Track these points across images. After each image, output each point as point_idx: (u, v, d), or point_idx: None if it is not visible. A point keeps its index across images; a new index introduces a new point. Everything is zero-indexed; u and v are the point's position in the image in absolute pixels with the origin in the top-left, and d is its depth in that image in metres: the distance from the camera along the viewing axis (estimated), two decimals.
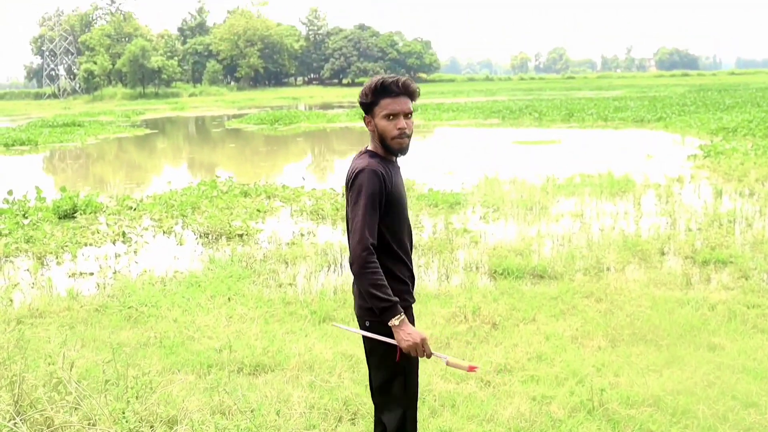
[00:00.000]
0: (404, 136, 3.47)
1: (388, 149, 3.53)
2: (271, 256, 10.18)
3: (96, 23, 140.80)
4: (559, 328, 6.75)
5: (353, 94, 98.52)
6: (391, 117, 3.44)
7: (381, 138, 3.51)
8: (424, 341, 3.34)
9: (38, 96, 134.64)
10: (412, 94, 3.49)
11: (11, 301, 8.69)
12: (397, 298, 3.35)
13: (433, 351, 3.42)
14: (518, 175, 16.72)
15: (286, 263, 9.85)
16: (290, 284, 8.82)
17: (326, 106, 67.71)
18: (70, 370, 5.25)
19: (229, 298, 8.07)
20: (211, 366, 6.01)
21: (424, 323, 6.94)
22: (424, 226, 11.98)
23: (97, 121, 51.19)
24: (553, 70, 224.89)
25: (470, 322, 6.90)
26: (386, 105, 3.44)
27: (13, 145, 34.06)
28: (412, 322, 3.56)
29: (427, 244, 10.59)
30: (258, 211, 13.83)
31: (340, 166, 23.26)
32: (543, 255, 9.80)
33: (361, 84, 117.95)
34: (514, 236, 11.06)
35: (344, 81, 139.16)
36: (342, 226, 12.40)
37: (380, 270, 3.34)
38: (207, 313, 7.55)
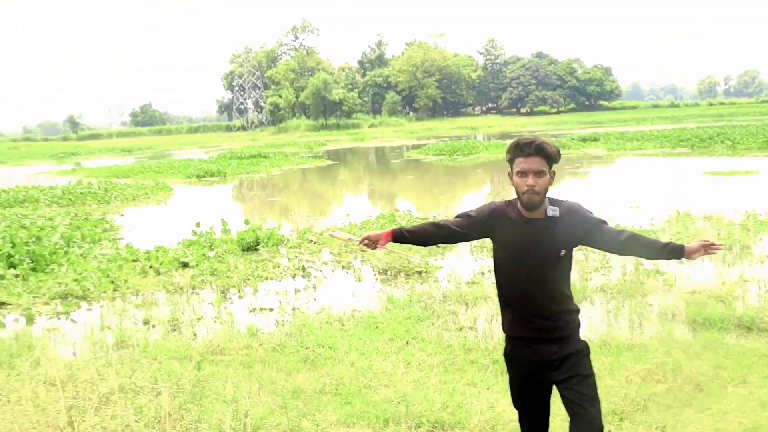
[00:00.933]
0: (532, 192, 3.82)
1: (520, 202, 3.94)
2: (451, 296, 9.87)
3: (281, 59, 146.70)
4: None
5: (532, 123, 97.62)
6: (521, 174, 3.85)
7: (516, 192, 3.94)
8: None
9: (228, 128, 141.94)
10: (547, 156, 3.84)
11: (195, 335, 8.85)
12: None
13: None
14: (713, 210, 15.59)
15: (466, 304, 9.51)
16: (471, 328, 8.45)
17: (504, 136, 67.06)
18: (245, 418, 5.13)
19: (407, 342, 7.80)
20: (387, 420, 5.73)
21: (617, 379, 6.37)
22: (612, 267, 11.28)
23: (282, 153, 53.04)
24: (745, 94, 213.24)
25: (669, 382, 6.25)
26: (519, 163, 3.87)
27: (204, 176, 35.78)
28: (522, 358, 4.05)
29: (616, 286, 9.93)
30: (437, 246, 13.59)
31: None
32: (749, 303, 8.86)
33: (539, 113, 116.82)
34: (713, 280, 10.16)
35: (522, 110, 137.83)
36: None
37: (421, 227, 4.32)
38: (384, 358, 7.31)
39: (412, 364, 7.14)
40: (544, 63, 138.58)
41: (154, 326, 9.40)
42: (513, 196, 4.05)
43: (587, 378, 3.92)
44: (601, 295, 9.65)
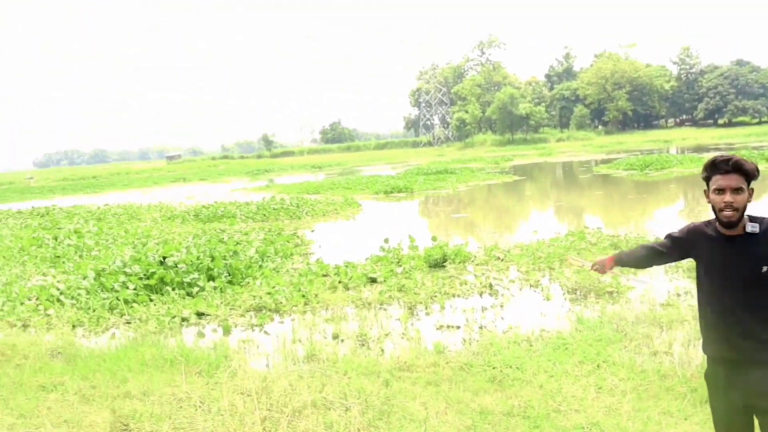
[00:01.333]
0: (730, 209, 3.79)
1: (718, 220, 3.92)
2: (644, 319, 9.43)
3: (467, 74, 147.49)
4: None
5: (730, 135, 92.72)
6: (719, 192, 3.84)
7: (713, 210, 3.93)
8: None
9: (415, 144, 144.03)
10: (745, 173, 3.81)
11: (382, 351, 8.94)
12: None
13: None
14: None
15: (661, 327, 9.05)
16: (666, 353, 8.02)
17: (700, 149, 64.06)
18: None
19: (598, 365, 7.51)
20: None
21: None
22: None
23: (468, 168, 53.09)
24: None
25: None
26: (716, 181, 3.86)
27: (391, 192, 36.37)
28: (722, 381, 3.96)
29: None
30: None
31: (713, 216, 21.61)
32: None
33: (738, 124, 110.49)
34: None
35: (720, 121, 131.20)
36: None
37: (634, 250, 4.56)
38: (574, 382, 7.07)
39: (603, 388, 6.86)
40: (745, 71, 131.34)
41: (342, 341, 9.58)
42: (708, 212, 4.04)
43: None
44: None
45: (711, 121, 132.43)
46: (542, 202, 31.25)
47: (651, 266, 4.57)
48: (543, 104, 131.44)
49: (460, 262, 14.50)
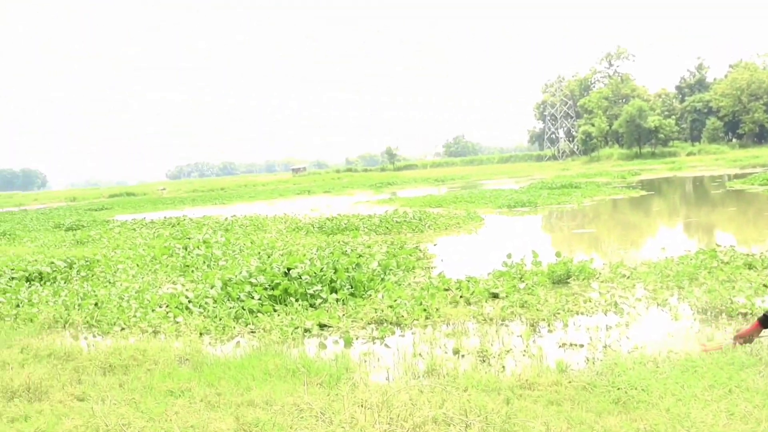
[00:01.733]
0: None
1: None
2: None
3: (594, 86, 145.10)
4: None
5: None
6: None
7: None
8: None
9: (539, 158, 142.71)
10: None
11: (503, 367, 8.85)
12: None
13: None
14: None
15: None
16: None
17: None
18: None
19: (730, 390, 7.18)
20: None
21: None
22: None
23: (593, 182, 52.12)
24: None
25: None
26: None
27: (515, 206, 36.07)
28: None
29: None
30: (765, 286, 12.45)
31: None
32: None
33: None
34: None
35: None
36: None
37: None
38: (704, 407, 6.78)
39: (735, 415, 6.56)
40: None
41: (463, 356, 9.53)
42: None
43: None
44: None
45: None
46: (670, 218, 30.30)
47: None
48: (673, 117, 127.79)
49: (584, 279, 14.20)
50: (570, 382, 7.87)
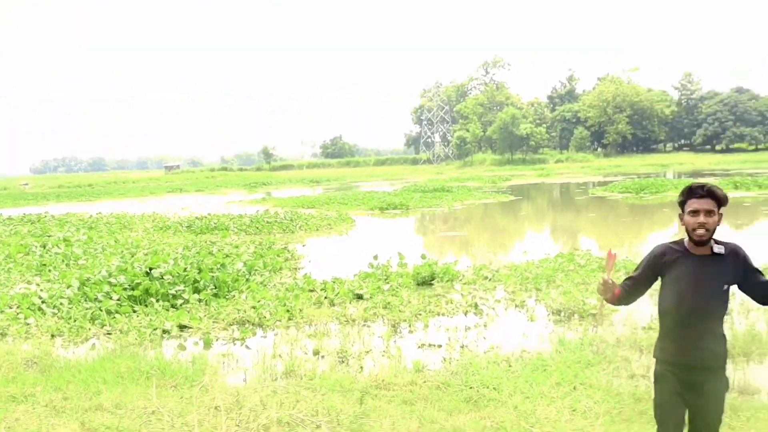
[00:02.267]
0: (702, 229, 4.29)
1: (690, 239, 4.39)
2: (625, 342, 9.39)
3: (470, 93, 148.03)
4: None
5: (727, 162, 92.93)
6: (693, 213, 4.34)
7: (686, 229, 4.39)
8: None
9: (415, 161, 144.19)
10: (717, 198, 4.33)
11: (362, 368, 8.87)
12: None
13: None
14: None
15: (641, 351, 8.99)
16: (643, 376, 7.95)
17: (696, 174, 64.18)
18: None
19: (575, 387, 7.45)
20: None
21: None
22: None
23: (465, 187, 53.14)
24: None
25: None
26: (691, 204, 4.36)
27: (387, 208, 36.36)
28: (672, 382, 4.48)
29: None
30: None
31: None
32: None
33: (735, 150, 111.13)
34: None
35: (717, 147, 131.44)
36: None
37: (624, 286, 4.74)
38: (549, 404, 7.00)
39: (577, 410, 6.81)
40: (744, 98, 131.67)
41: (323, 357, 9.51)
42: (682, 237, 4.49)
43: (718, 415, 4.43)
44: None
45: (709, 146, 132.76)
46: (537, 222, 31.21)
47: (635, 299, 4.84)
48: (544, 125, 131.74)
49: (448, 281, 14.44)
50: (425, 381, 7.97)
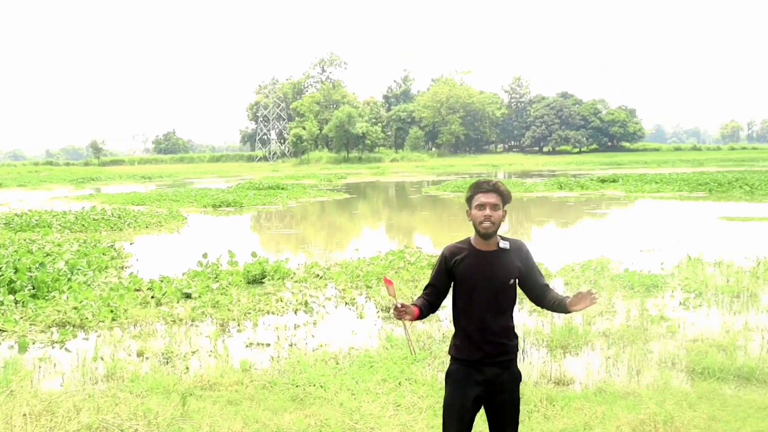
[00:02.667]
0: (488, 222, 4.40)
1: (477, 232, 4.49)
2: (450, 336, 9.61)
3: (307, 91, 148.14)
4: None
5: (553, 163, 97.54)
6: (480, 207, 4.44)
7: (473, 223, 4.48)
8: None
9: (251, 158, 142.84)
10: (501, 194, 4.48)
11: (187, 369, 8.66)
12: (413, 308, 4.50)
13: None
14: (725, 256, 15.31)
15: None
16: None
17: (525, 174, 66.98)
18: None
19: (400, 383, 7.57)
20: None
21: (607, 430, 6.19)
22: (617, 311, 11.02)
23: (300, 185, 53.14)
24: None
25: None
26: (478, 198, 4.47)
27: (220, 206, 35.81)
28: (466, 378, 4.48)
29: (618, 332, 9.69)
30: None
31: (536, 238, 22.58)
32: (750, 353, 8.64)
33: (561, 152, 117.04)
34: (717, 328, 9.94)
35: (545, 149, 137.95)
36: (528, 305, 11.71)
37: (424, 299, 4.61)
38: (375, 399, 7.09)
39: (402, 406, 6.92)
40: (569, 103, 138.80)
41: (147, 358, 9.22)
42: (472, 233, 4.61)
43: (516, 405, 4.56)
44: (603, 340, 9.48)
45: (537, 148, 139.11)
46: (372, 220, 31.60)
47: (441, 302, 4.73)
48: (380, 124, 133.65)
49: (279, 279, 14.37)
50: (252, 381, 7.89)
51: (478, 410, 4.54)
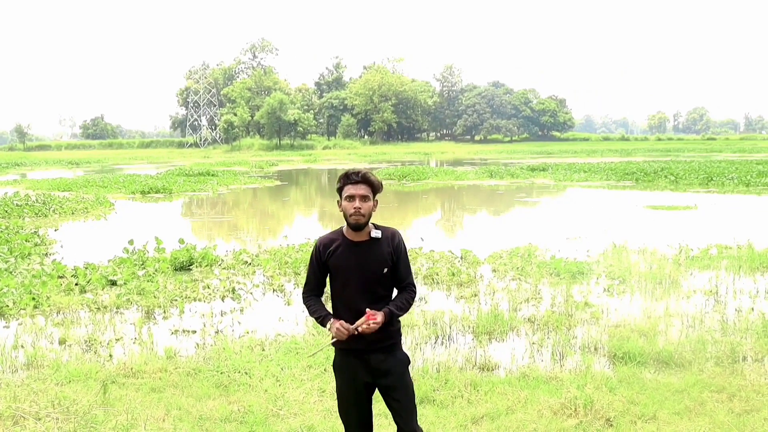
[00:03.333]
0: (358, 214, 4.34)
1: (348, 224, 4.43)
2: None
3: (238, 77, 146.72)
4: (683, 430, 5.97)
5: (485, 151, 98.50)
6: (350, 199, 4.36)
7: (345, 216, 4.41)
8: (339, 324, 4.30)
9: (181, 145, 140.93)
10: (371, 184, 4.41)
11: (110, 356, 8.56)
12: (325, 312, 4.50)
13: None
14: (648, 244, 15.75)
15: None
16: None
17: (457, 163, 67.53)
18: None
19: (325, 369, 7.60)
20: None
21: (529, 414, 6.32)
22: (542, 298, 11.25)
23: (231, 171, 52.67)
24: (693, 130, 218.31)
25: (581, 417, 6.18)
26: (347, 189, 4.39)
27: (149, 192, 35.32)
28: (353, 367, 4.49)
29: (543, 318, 9.87)
30: None
31: (467, 226, 22.84)
32: (670, 337, 8.89)
33: (493, 141, 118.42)
34: (639, 314, 10.20)
35: (476, 137, 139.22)
36: (456, 292, 11.86)
37: (311, 301, 4.61)
38: (300, 386, 7.13)
39: (326, 392, 6.97)
40: (500, 92, 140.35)
41: (70, 346, 9.07)
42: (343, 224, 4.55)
43: (408, 389, 4.52)
44: (528, 326, 9.64)
45: (469, 137, 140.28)
46: (303, 207, 31.55)
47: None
48: (312, 111, 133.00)
49: (207, 266, 14.28)
50: (176, 368, 7.85)
51: (371, 395, 4.61)
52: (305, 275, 5.00)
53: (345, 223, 4.49)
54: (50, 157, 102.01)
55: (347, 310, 4.40)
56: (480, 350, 8.56)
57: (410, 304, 4.60)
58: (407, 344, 8.85)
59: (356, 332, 4.26)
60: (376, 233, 4.46)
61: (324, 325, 4.46)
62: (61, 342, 9.25)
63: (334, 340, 4.40)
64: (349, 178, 4.42)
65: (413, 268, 13.63)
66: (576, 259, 14.26)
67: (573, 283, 12.32)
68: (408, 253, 4.64)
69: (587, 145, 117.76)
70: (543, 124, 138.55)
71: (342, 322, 4.32)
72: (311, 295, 4.65)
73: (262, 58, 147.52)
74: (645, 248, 15.38)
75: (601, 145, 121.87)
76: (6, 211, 24.88)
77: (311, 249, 14.75)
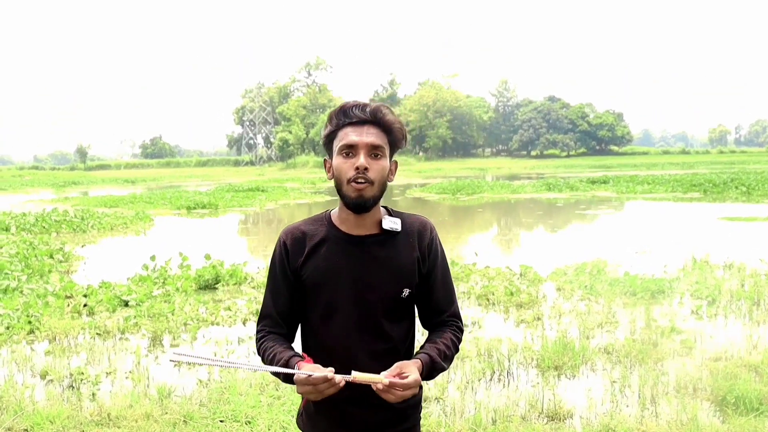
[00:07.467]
0: (362, 178, 2.35)
1: (343, 200, 2.43)
2: None
3: (293, 95, 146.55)
4: None
5: (541, 166, 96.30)
6: (347, 152, 2.37)
7: (337, 185, 2.42)
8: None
9: (237, 163, 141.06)
10: (386, 127, 2.44)
11: (93, 395, 7.01)
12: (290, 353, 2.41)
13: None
14: (734, 258, 13.78)
15: None
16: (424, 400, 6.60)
17: (513, 177, 65.43)
18: None
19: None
20: None
21: None
22: (619, 322, 9.43)
23: (282, 187, 51.47)
24: (756, 143, 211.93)
25: None
26: (344, 134, 2.39)
27: (195, 208, 34.21)
28: None
29: (623, 348, 8.03)
30: None
31: (525, 240, 21.07)
32: None
33: (549, 156, 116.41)
34: (741, 342, 8.30)
35: (533, 153, 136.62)
36: (515, 314, 10.13)
37: (267, 342, 2.54)
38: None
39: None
40: (556, 106, 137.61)
41: (51, 381, 7.55)
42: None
43: None
44: (605, 359, 7.80)
45: (525, 152, 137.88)
46: None
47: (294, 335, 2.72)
48: None
49: (235, 284, 12.78)
50: (164, 414, 6.36)
51: None
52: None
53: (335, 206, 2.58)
54: (108, 176, 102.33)
55: (328, 356, 2.42)
56: (547, 391, 6.77)
57: (457, 350, 2.57)
58: (456, 381, 7.14)
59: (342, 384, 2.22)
60: (391, 223, 2.54)
61: (288, 379, 2.38)
62: (42, 376, 7.74)
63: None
64: (346, 113, 2.43)
65: (463, 288, 11.97)
66: (653, 275, 12.38)
67: (652, 303, 10.49)
68: (449, 265, 2.76)
69: (647, 159, 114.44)
70: (600, 138, 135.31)
71: (318, 366, 2.26)
72: (269, 331, 2.59)
73: (316, 76, 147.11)
74: (731, 263, 13.43)
75: (661, 158, 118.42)
76: (44, 227, 23.85)
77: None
